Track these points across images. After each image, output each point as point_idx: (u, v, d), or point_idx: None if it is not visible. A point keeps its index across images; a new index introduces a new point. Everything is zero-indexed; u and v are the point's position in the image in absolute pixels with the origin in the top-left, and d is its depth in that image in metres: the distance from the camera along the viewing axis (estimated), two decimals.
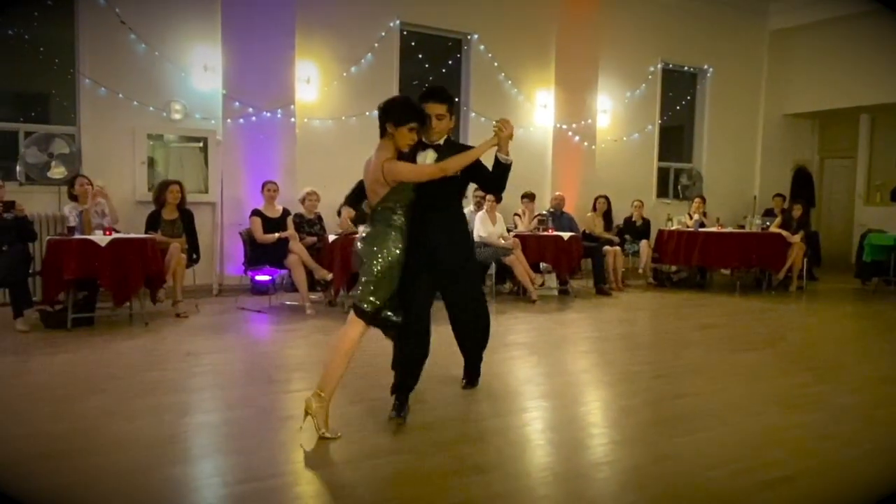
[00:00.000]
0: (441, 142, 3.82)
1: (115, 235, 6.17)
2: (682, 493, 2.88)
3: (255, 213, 7.38)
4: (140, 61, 7.95)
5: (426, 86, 3.94)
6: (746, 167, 12.63)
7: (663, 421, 3.84)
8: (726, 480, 2.99)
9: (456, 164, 3.66)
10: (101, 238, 6.02)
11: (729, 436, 3.58)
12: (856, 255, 10.79)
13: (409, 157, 3.70)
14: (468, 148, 3.83)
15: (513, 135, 3.78)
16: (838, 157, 13.33)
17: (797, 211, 10.07)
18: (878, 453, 3.43)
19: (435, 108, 3.73)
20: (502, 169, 3.81)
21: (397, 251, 3.52)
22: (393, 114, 3.57)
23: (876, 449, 3.48)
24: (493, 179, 3.89)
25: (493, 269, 8.44)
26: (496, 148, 3.78)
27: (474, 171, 3.83)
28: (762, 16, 12.35)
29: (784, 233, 9.64)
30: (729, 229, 9.83)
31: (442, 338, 4.18)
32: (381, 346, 4.10)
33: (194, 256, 7.21)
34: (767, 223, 9.98)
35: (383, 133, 3.62)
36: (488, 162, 3.85)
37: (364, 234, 3.60)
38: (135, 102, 7.93)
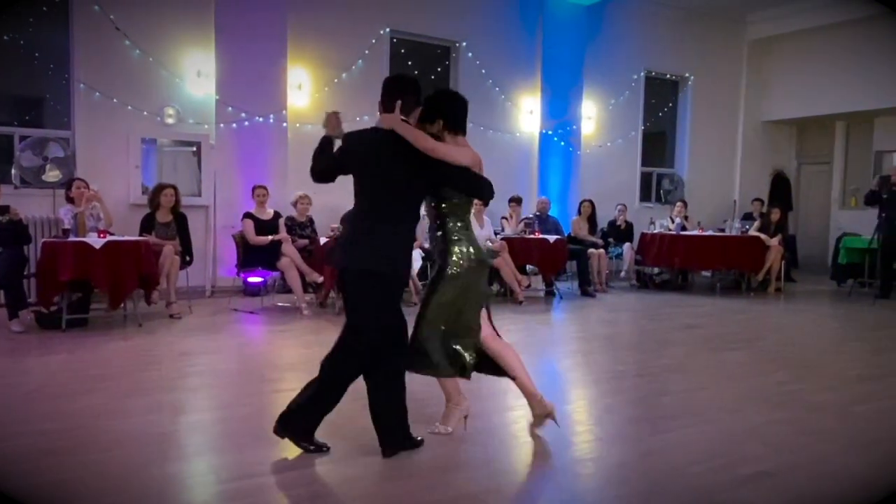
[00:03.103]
0: None
1: (109, 238, 6.19)
2: (665, 488, 2.95)
3: (247, 215, 7.48)
4: (134, 67, 8.01)
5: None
6: (727, 172, 12.87)
7: (646, 418, 3.95)
8: (708, 475, 3.04)
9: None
10: (95, 240, 6.04)
11: (710, 432, 3.67)
12: (832, 258, 11.04)
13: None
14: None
15: (334, 125, 3.37)
16: (815, 163, 13.62)
17: (775, 215, 10.26)
18: (855, 448, 3.49)
19: None
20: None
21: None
22: (450, 112, 3.43)
23: (853, 444, 3.54)
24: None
25: None
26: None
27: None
28: (741, 26, 12.59)
29: (762, 236, 9.86)
30: (710, 232, 10.06)
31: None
32: None
33: (188, 258, 7.27)
34: (747, 227, 10.20)
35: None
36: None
37: None
38: (129, 107, 7.99)
